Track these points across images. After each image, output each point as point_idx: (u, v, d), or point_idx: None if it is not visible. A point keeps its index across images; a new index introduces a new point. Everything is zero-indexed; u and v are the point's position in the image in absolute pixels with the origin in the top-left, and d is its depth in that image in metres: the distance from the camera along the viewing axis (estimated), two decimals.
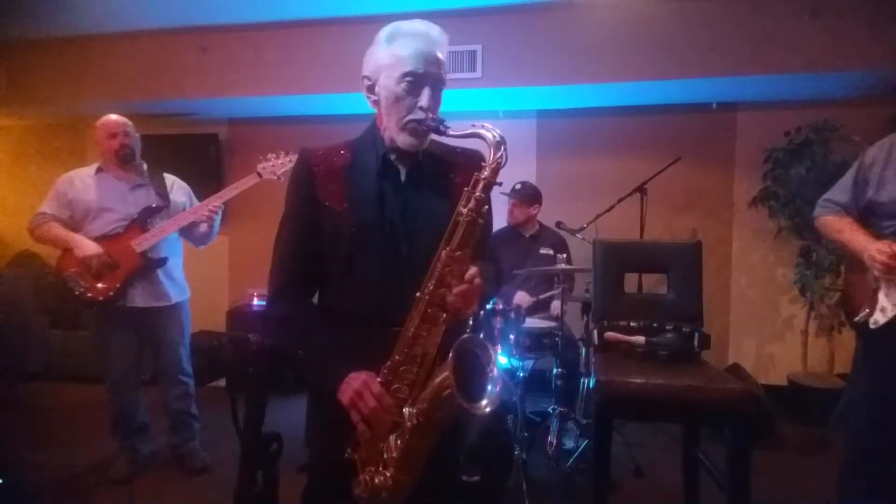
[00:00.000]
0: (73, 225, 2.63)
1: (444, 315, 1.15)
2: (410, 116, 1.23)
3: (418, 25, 1.24)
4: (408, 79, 1.21)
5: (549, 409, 2.89)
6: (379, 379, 1.16)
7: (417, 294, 1.16)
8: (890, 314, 1.66)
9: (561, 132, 4.33)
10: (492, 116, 4.36)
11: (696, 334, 1.99)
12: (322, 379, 1.21)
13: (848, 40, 3.21)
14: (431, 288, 1.15)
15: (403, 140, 1.25)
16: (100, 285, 2.54)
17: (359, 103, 1.38)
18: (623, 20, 3.52)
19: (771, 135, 3.82)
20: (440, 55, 1.23)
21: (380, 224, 1.25)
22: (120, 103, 4.38)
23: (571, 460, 2.71)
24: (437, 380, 1.11)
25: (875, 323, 1.70)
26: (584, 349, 3.05)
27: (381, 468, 1.15)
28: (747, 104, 4.03)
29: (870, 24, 3.17)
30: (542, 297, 3.24)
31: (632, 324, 2.03)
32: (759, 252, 4.07)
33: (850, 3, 3.20)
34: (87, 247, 2.53)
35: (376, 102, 1.29)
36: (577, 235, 3.48)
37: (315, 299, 1.35)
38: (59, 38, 4.26)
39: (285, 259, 1.31)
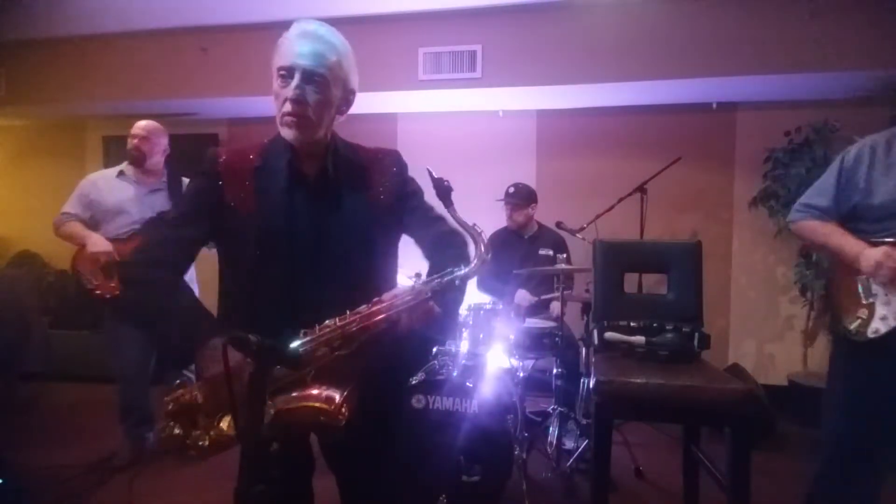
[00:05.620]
0: (94, 225, 2.78)
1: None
2: (283, 109, 1.23)
3: (302, 25, 1.25)
4: (280, 73, 1.22)
5: (549, 409, 2.90)
6: None
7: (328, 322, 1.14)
8: (892, 323, 1.61)
9: (561, 132, 4.33)
10: (492, 116, 4.38)
11: (696, 334, 1.98)
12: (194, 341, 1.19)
13: (848, 40, 3.21)
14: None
15: (285, 134, 1.25)
16: (108, 283, 2.69)
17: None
18: (623, 20, 3.52)
19: (771, 135, 3.82)
20: (322, 49, 1.22)
21: (287, 231, 1.25)
22: (120, 103, 4.40)
23: (571, 460, 2.71)
24: (319, 394, 1.11)
25: (876, 332, 1.64)
26: (584, 349, 3.06)
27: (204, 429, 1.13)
28: (747, 104, 4.03)
29: (870, 24, 3.17)
30: (543, 297, 3.24)
31: (632, 324, 2.03)
32: (758, 252, 4.07)
33: (850, 4, 3.20)
34: (99, 243, 2.68)
35: None
36: (577, 235, 3.48)
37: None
38: (59, 38, 4.25)
39: (159, 239, 1.34)
